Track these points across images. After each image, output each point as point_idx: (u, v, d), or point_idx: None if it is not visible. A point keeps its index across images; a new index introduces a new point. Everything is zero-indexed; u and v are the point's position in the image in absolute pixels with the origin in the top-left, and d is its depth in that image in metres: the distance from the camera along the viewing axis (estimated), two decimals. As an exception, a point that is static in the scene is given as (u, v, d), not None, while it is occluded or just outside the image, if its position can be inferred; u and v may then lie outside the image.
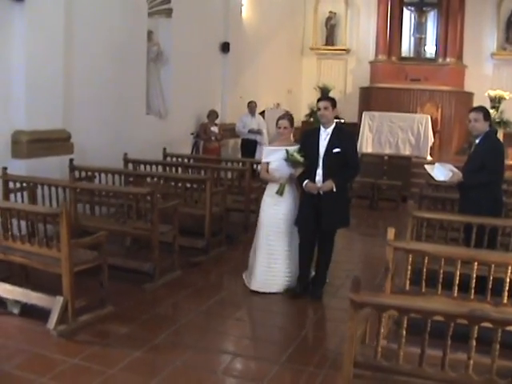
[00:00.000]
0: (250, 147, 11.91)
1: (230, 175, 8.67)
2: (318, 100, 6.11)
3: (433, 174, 5.86)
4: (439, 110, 13.98)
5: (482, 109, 5.75)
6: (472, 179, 5.53)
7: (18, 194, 6.69)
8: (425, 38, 15.30)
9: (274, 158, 6.06)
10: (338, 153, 5.77)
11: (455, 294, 4.17)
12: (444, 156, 13.09)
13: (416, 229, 5.46)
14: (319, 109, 5.90)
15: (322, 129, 5.91)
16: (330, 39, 16.19)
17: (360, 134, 13.19)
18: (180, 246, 6.76)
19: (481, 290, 4.21)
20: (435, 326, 3.02)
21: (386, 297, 3.11)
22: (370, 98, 15.02)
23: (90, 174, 7.72)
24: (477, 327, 2.92)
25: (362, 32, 15.79)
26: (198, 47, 11.52)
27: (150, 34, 10.18)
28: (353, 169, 5.99)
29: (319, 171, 5.83)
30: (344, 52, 16.07)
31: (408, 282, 4.29)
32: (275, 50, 14.83)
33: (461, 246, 5.32)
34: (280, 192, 5.99)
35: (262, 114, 13.26)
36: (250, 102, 12.13)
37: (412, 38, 15.40)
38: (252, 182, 8.78)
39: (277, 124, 6.15)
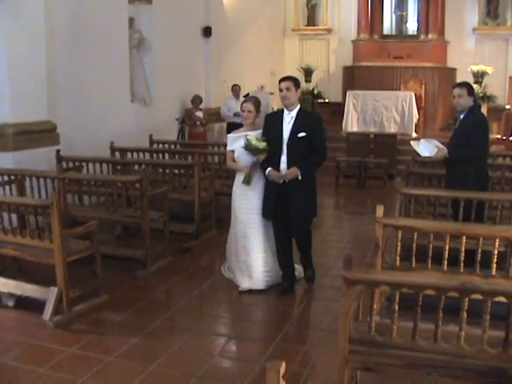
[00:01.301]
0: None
1: (217, 159, 8.67)
2: (280, 80, 5.48)
3: (418, 150, 5.90)
4: (423, 87, 14.01)
5: (465, 84, 5.80)
6: (457, 154, 5.59)
7: (7, 187, 6.67)
8: (406, 14, 15.26)
9: (238, 145, 5.65)
10: (303, 137, 5.30)
11: (445, 268, 4.25)
12: (429, 132, 13.15)
13: (404, 205, 5.53)
14: (281, 90, 5.37)
15: (285, 112, 5.44)
16: (311, 19, 16.14)
17: (345, 113, 13.23)
18: (171, 231, 6.80)
19: (470, 264, 4.30)
20: (426, 300, 3.08)
21: (378, 273, 3.16)
22: (353, 77, 15.02)
23: (77, 164, 7.71)
24: (467, 299, 2.99)
25: (343, 11, 15.74)
26: (179, 32, 11.49)
27: (131, 20, 10.13)
28: (319, 154, 5.45)
29: (283, 158, 5.38)
30: (326, 32, 16.03)
31: (398, 258, 4.35)
32: (257, 32, 14.78)
33: (449, 220, 5.41)
34: (246, 182, 5.61)
35: (246, 96, 13.22)
36: (233, 86, 12.12)
37: (393, 16, 15.36)
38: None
39: (241, 108, 5.83)
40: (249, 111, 5.67)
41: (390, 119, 12.91)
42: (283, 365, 1.89)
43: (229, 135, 6.00)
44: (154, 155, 8.94)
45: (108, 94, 9.30)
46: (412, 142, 6.09)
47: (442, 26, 14.77)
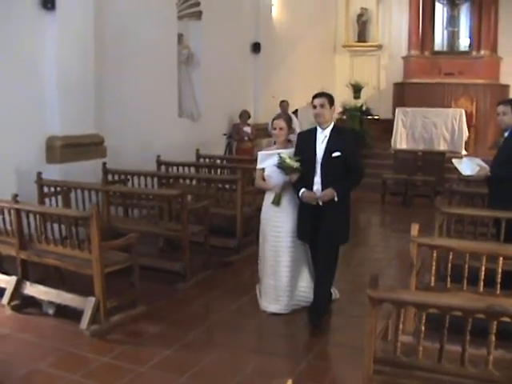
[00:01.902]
0: (282, 147, 11.93)
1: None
2: (313, 97, 5.24)
3: (460, 169, 5.80)
4: (474, 104, 13.77)
5: (510, 101, 5.67)
6: (499, 173, 5.46)
7: (53, 199, 6.88)
8: (458, 31, 15.03)
9: (268, 163, 5.41)
10: (337, 157, 5.04)
11: (481, 290, 4.15)
12: (479, 150, 12.88)
13: (445, 224, 5.43)
14: (315, 106, 5.15)
15: (318, 130, 5.19)
16: (362, 36, 16.09)
17: (394, 130, 13.10)
18: (212, 246, 6.86)
19: (508, 285, 4.18)
20: (457, 321, 3.02)
21: (404, 293, 3.11)
22: (403, 94, 14.88)
23: (122, 176, 7.88)
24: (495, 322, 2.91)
25: (394, 27, 15.64)
26: (228, 48, 11.63)
27: (180, 36, 10.33)
28: (356, 174, 5.19)
29: (317, 179, 5.11)
30: (376, 48, 15.97)
31: (433, 278, 4.28)
32: (307, 48, 14.82)
33: (490, 241, 5.28)
34: (276, 202, 5.36)
35: (295, 112, 13.27)
36: (281, 102, 12.16)
37: (445, 32, 15.14)
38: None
39: (272, 124, 5.60)
40: (280, 128, 5.44)
41: (440, 136, 12.71)
42: (290, 382, 1.89)
43: (259, 152, 5.72)
44: (200, 170, 9.06)
45: (156, 108, 9.49)
46: (454, 160, 5.99)
47: (494, 42, 14.50)
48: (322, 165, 5.08)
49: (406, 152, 12.32)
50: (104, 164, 7.90)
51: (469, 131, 12.88)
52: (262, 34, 12.77)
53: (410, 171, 11.45)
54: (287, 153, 5.23)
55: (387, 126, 14.21)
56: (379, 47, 15.97)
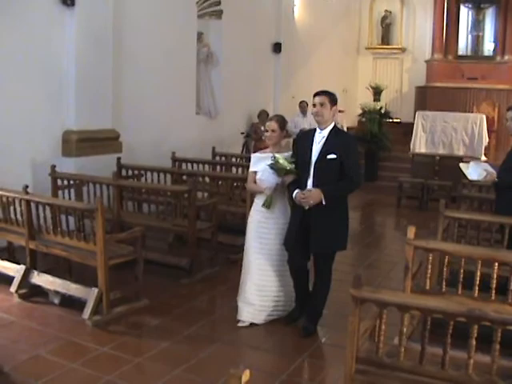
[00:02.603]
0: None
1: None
2: (314, 94, 4.92)
3: (466, 173, 5.78)
4: (496, 110, 13.65)
5: None
6: (505, 179, 5.45)
7: (66, 191, 7.02)
8: (482, 35, 14.96)
9: (261, 166, 5.16)
10: (333, 160, 4.74)
11: (475, 294, 4.16)
12: (500, 156, 12.67)
13: (451, 229, 5.45)
14: (314, 105, 4.85)
15: (317, 130, 4.90)
16: (385, 38, 16.10)
17: (413, 133, 13.05)
18: (221, 243, 6.94)
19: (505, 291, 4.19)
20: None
21: (386, 293, 3.15)
22: (425, 98, 14.83)
23: (136, 172, 8.00)
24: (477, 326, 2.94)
25: (417, 30, 15.62)
26: (248, 48, 11.71)
27: (199, 35, 10.44)
28: (350, 180, 4.82)
29: (309, 181, 4.83)
30: (400, 51, 15.96)
31: (428, 282, 4.30)
32: (329, 49, 14.85)
33: (492, 246, 5.28)
34: (267, 205, 5.09)
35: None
36: (301, 102, 12.21)
37: (469, 36, 15.08)
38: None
39: (265, 127, 5.34)
40: (272, 130, 5.18)
41: (459, 141, 12.62)
42: (247, 372, 1.95)
43: (253, 155, 5.48)
44: (216, 168, 9.14)
45: (173, 105, 9.60)
46: (461, 165, 5.97)
47: (519, 48, 14.37)
48: (315, 167, 4.80)
49: (424, 156, 12.27)
50: (118, 159, 8.02)
51: (490, 137, 12.76)
52: (284, 34, 12.83)
53: (426, 175, 11.41)
54: (282, 155, 5.02)
55: (408, 129, 14.13)
56: (402, 50, 15.94)
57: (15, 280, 5.66)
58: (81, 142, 7.59)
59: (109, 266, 5.14)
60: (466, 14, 15.00)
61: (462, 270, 4.18)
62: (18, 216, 5.79)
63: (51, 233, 5.54)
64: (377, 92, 14.52)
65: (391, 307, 3.10)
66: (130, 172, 8.02)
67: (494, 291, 4.12)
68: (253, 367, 4.37)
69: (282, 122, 5.25)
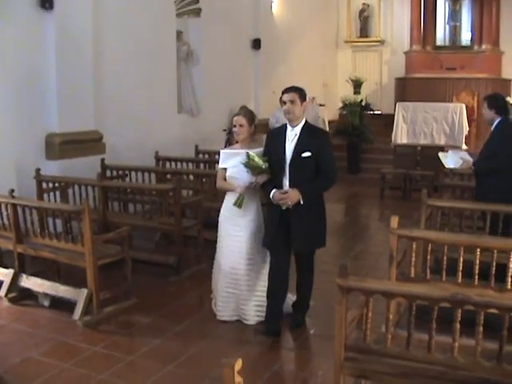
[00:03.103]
0: (282, 141, 12.06)
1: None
2: (283, 92, 4.83)
3: (444, 162, 5.91)
4: (475, 99, 13.78)
5: (486, 97, 5.85)
6: (480, 166, 5.59)
7: (51, 194, 7.03)
8: (460, 25, 15.06)
9: (232, 163, 5.00)
10: (308, 158, 4.66)
11: (459, 280, 4.25)
12: (480, 144, 12.84)
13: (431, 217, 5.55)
14: (284, 102, 4.74)
15: (288, 128, 4.79)
16: (363, 31, 16.17)
17: (394, 125, 13.14)
18: (207, 240, 6.97)
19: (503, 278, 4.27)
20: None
21: (371, 282, 3.22)
22: (405, 89, 14.93)
23: (121, 172, 8.02)
24: (460, 310, 3.02)
25: (395, 22, 15.70)
26: (228, 45, 11.73)
27: (179, 34, 10.46)
28: (327, 177, 4.78)
29: (285, 181, 4.75)
30: (378, 43, 16.03)
31: (413, 270, 4.38)
32: (309, 43, 14.91)
33: (475, 233, 5.38)
34: (238, 204, 4.90)
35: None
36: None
37: (447, 27, 15.17)
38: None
39: (232, 122, 5.14)
40: (240, 125, 5.00)
41: (440, 131, 12.73)
42: (239, 361, 2.01)
43: (222, 151, 5.26)
44: (199, 165, 9.17)
45: (155, 104, 9.62)
46: (440, 154, 6.11)
47: (496, 37, 14.52)
48: (290, 166, 4.71)
49: (406, 147, 12.38)
50: (102, 160, 8.04)
51: (470, 126, 12.89)
52: (262, 30, 12.86)
53: (409, 166, 11.52)
54: (255, 152, 4.83)
55: (389, 121, 14.22)
56: (381, 42, 16.03)
57: (4, 284, 5.69)
58: (64, 145, 7.59)
59: (97, 267, 5.17)
60: (442, 5, 15.08)
61: (445, 257, 4.27)
62: (5, 220, 5.80)
63: (39, 236, 5.57)
64: (357, 85, 14.62)
65: (377, 295, 3.18)
66: (115, 172, 8.03)
67: (476, 277, 4.23)
68: (244, 360, 4.49)
69: (250, 116, 5.07)
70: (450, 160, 5.81)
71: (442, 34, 15.28)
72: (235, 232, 5.06)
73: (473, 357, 3.05)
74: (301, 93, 4.77)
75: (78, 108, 7.81)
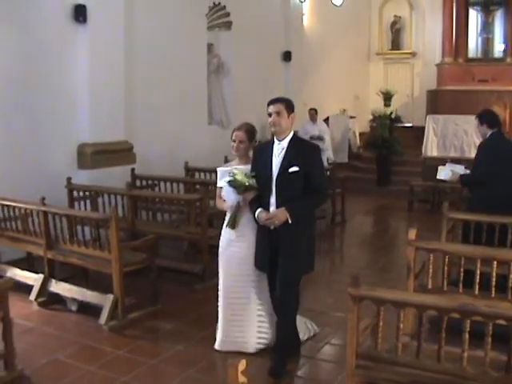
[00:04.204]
0: (311, 153, 12.16)
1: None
2: (268, 103, 4.47)
3: (438, 174, 6.16)
4: (507, 111, 13.68)
5: (476, 115, 6.12)
6: (467, 178, 6.04)
7: (82, 202, 7.25)
8: (492, 37, 15.00)
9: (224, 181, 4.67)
10: (295, 173, 4.31)
11: (476, 293, 4.28)
12: (512, 157, 12.78)
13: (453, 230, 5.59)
14: (270, 114, 4.39)
15: (275, 142, 4.45)
16: (395, 43, 16.24)
17: (424, 137, 13.13)
18: (233, 249, 7.08)
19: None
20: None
21: (382, 291, 3.29)
22: (437, 101, 14.90)
23: (150, 182, 8.21)
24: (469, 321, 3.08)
25: (427, 34, 15.72)
26: (259, 57, 11.91)
27: (210, 46, 10.67)
28: (317, 193, 4.43)
29: (272, 198, 4.39)
30: (410, 55, 16.10)
31: (430, 281, 4.43)
32: (340, 56, 15.02)
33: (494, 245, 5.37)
34: (231, 224, 4.65)
35: (327, 120, 13.49)
36: (310, 110, 12.37)
37: (479, 39, 15.13)
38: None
39: (231, 137, 4.76)
40: (240, 141, 4.68)
41: (471, 144, 12.64)
42: (243, 362, 2.12)
43: (218, 169, 4.94)
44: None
45: (185, 116, 9.82)
46: (439, 167, 6.29)
47: (529, 49, 14.42)
48: (277, 182, 4.37)
49: (435, 159, 12.32)
50: (133, 170, 8.24)
51: (501, 138, 12.78)
52: (293, 43, 13.03)
53: (438, 179, 11.45)
54: (243, 169, 4.55)
55: (420, 133, 14.18)
56: (413, 55, 16.07)
57: (34, 288, 5.90)
58: (95, 155, 7.82)
59: (124, 273, 5.34)
60: (475, 17, 15.05)
61: (462, 270, 4.32)
62: (36, 227, 6.02)
63: (68, 242, 5.76)
64: (387, 97, 14.65)
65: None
66: (144, 182, 8.23)
67: (493, 289, 4.26)
68: (261, 366, 4.59)
69: (251, 132, 4.74)
70: (443, 172, 6.09)
71: (474, 45, 15.23)
72: (236, 253, 4.71)
73: (482, 367, 3.10)
74: (288, 104, 4.46)
75: (109, 119, 8.05)
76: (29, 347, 4.88)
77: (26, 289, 5.98)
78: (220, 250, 4.85)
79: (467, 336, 3.10)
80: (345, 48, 15.24)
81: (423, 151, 13.09)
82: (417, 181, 11.72)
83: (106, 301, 5.33)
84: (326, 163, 11.37)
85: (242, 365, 2.12)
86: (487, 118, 5.97)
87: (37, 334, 5.21)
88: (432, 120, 13.11)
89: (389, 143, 12.92)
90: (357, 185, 12.41)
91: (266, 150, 4.50)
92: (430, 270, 4.40)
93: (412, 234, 4.43)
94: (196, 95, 10.19)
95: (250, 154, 4.73)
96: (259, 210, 4.41)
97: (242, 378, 2.11)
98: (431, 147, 13.08)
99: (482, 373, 3.10)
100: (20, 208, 6.14)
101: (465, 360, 3.12)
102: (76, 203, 7.24)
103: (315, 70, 14.03)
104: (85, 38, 7.69)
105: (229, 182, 4.48)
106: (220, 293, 4.90)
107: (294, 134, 4.48)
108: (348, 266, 5.85)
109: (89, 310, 5.57)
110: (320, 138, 12.23)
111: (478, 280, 4.25)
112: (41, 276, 5.94)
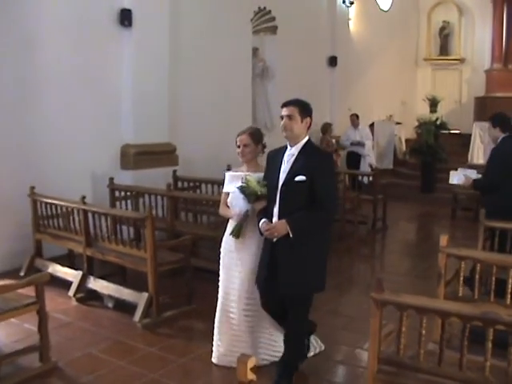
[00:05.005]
0: (353, 159, 12.16)
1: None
2: (282, 105, 4.16)
3: (450, 178, 6.20)
4: (558, 119, 13.31)
5: (490, 118, 6.13)
6: (477, 183, 5.97)
7: (123, 202, 7.43)
8: (543, 43, 14.66)
9: (234, 187, 4.41)
10: (301, 182, 3.96)
11: (508, 302, 4.22)
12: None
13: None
14: (282, 117, 4.10)
15: (288, 148, 4.14)
16: (444, 49, 16.05)
17: (471, 144, 12.94)
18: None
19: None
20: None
21: (405, 296, 3.28)
22: (485, 108, 14.60)
23: (192, 184, 8.34)
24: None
25: (476, 40, 15.50)
26: (304, 62, 11.94)
27: (255, 50, 10.78)
28: (322, 207, 3.97)
29: (275, 209, 4.07)
30: (458, 61, 15.88)
31: (461, 289, 4.39)
32: (387, 61, 14.92)
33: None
34: (235, 234, 4.33)
35: (372, 126, 13.43)
36: (351, 115, 12.38)
37: (529, 45, 14.81)
38: (348, 193, 9.17)
39: (236, 141, 4.49)
40: (244, 145, 4.42)
41: (518, 152, 12.38)
42: (252, 359, 2.17)
43: (227, 173, 4.72)
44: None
45: (229, 119, 9.89)
46: (451, 172, 6.33)
47: None
48: (281, 191, 4.04)
49: (480, 167, 12.10)
50: (174, 171, 8.38)
51: (551, 147, 12.46)
52: (339, 48, 13.03)
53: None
54: (256, 177, 4.28)
55: (467, 140, 13.99)
56: (461, 61, 15.84)
57: (73, 285, 6.09)
58: (138, 156, 8.00)
59: (160, 272, 5.47)
60: (526, 22, 14.74)
61: (493, 278, 4.26)
62: (77, 225, 6.20)
63: (106, 240, 5.92)
64: (433, 103, 14.47)
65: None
66: (186, 184, 8.36)
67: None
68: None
69: (256, 134, 4.50)
70: (456, 177, 6.01)
71: (524, 52, 14.89)
72: (238, 266, 4.45)
73: (504, 377, 3.07)
74: (303, 107, 4.12)
75: (152, 121, 8.22)
76: (65, 341, 5.05)
77: (65, 285, 6.19)
78: (221, 261, 4.64)
79: (490, 345, 3.07)
80: (392, 53, 15.13)
81: (469, 158, 12.90)
82: (461, 188, 11.53)
83: (140, 299, 5.46)
84: (368, 169, 11.35)
85: (251, 362, 2.17)
86: (500, 122, 5.95)
87: (73, 329, 5.38)
88: (479, 127, 12.92)
89: (433, 150, 12.75)
90: (401, 191, 12.32)
91: (277, 156, 4.18)
92: (461, 278, 4.35)
93: (444, 240, 4.39)
94: (240, 98, 10.29)
95: (259, 160, 4.53)
96: (263, 220, 4.11)
97: (251, 375, 2.16)
98: (477, 154, 12.89)
99: (504, 383, 3.06)
100: (62, 206, 6.34)
101: (487, 369, 3.09)
102: (118, 203, 7.42)
103: (361, 75, 13.97)
104: (130, 41, 7.90)
105: (241, 187, 4.24)
106: (221, 306, 4.67)
107: (307, 141, 4.14)
108: (388, 274, 5.81)
109: (125, 308, 5.71)
110: (360, 144, 12.20)
111: (510, 290, 4.19)
112: (80, 273, 6.12)
